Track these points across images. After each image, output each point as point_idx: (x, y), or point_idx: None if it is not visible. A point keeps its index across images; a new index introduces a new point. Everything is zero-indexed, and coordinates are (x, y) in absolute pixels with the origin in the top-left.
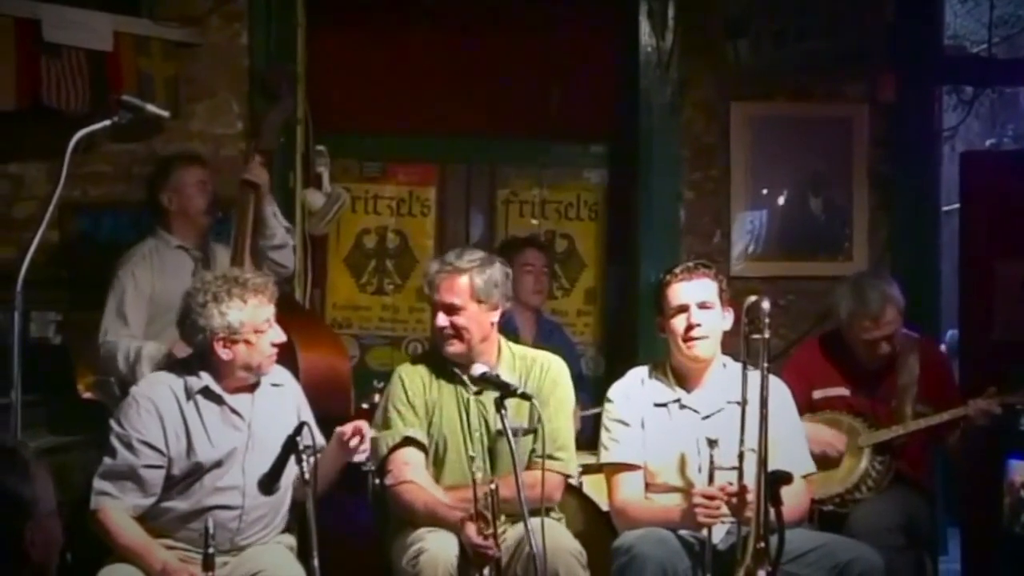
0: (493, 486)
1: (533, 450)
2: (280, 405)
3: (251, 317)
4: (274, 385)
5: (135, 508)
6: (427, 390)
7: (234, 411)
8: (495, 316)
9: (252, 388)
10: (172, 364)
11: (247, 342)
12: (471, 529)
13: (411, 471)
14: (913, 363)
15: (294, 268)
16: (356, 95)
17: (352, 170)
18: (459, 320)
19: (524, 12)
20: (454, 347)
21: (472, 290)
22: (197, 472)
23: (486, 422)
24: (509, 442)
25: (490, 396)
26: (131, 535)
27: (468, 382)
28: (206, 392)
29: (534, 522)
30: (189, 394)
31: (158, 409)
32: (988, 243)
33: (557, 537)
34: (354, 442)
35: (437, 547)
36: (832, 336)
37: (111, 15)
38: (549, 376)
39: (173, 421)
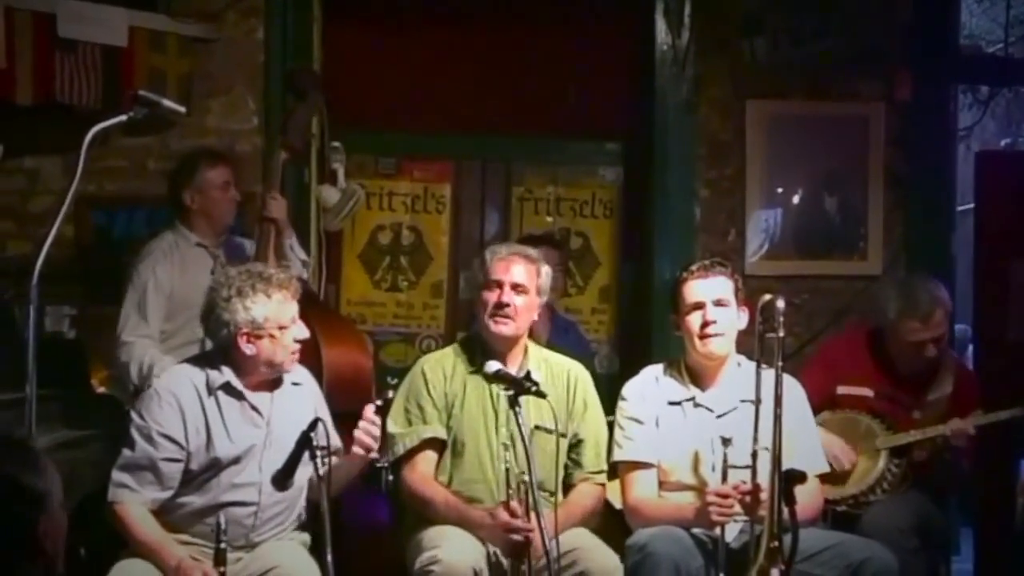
0: (527, 477)
1: (578, 464)
2: (299, 404)
3: (275, 312)
4: (294, 384)
5: (153, 501)
6: (448, 382)
7: (254, 408)
8: (536, 313)
9: (272, 386)
10: (195, 358)
11: (271, 337)
12: (503, 514)
13: (427, 471)
14: (948, 383)
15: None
16: (372, 91)
17: (367, 166)
18: (520, 302)
19: (540, 9)
20: (508, 327)
21: (538, 279)
22: (215, 467)
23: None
24: (523, 438)
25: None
26: (147, 530)
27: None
28: (227, 388)
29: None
30: (210, 389)
31: (179, 403)
32: (1003, 243)
33: (600, 559)
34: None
35: (453, 557)
36: (873, 334)
37: (127, 10)
38: (580, 389)
39: (194, 415)
